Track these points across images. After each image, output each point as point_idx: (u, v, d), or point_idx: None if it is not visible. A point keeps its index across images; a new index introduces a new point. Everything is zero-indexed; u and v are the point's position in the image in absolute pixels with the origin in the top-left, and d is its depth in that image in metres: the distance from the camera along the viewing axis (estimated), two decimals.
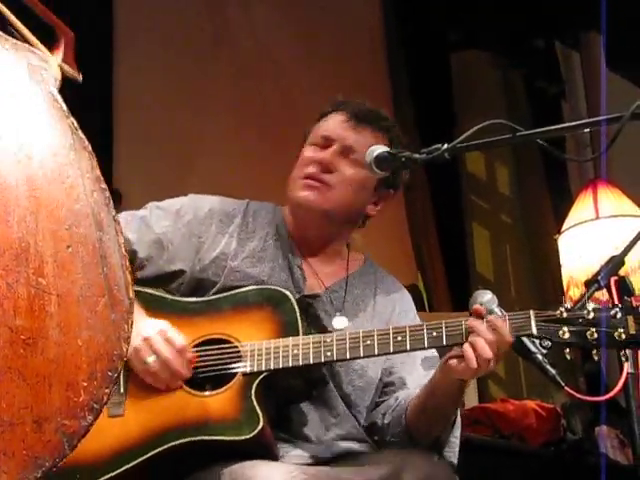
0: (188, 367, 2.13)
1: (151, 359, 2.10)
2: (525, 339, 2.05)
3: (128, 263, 1.42)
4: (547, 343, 2.03)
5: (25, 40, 1.49)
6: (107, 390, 1.34)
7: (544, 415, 3.95)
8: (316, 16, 5.39)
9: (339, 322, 2.29)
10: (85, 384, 1.32)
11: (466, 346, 2.04)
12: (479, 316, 2.08)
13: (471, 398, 5.03)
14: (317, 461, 2.13)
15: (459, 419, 2.27)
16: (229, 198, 2.48)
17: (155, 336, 2.12)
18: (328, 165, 2.32)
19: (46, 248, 1.34)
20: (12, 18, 1.50)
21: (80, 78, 1.57)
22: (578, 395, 2.13)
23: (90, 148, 1.43)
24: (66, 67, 1.54)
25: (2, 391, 1.26)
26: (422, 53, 5.66)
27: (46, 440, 1.28)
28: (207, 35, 5.03)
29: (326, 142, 2.36)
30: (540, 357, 2.03)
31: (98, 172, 1.42)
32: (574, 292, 3.92)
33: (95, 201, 1.40)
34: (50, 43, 1.54)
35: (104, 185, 1.42)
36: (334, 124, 2.38)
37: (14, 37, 1.48)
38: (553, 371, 2.01)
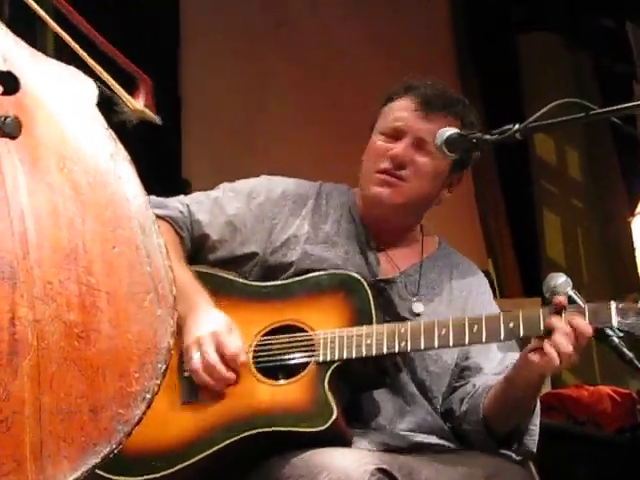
0: (237, 372, 2.10)
1: (196, 356, 2.09)
2: None
3: (170, 262, 1.48)
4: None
5: (111, 90, 1.64)
6: (157, 381, 1.40)
7: (619, 400, 3.90)
8: None
9: (416, 307, 2.28)
10: (137, 375, 1.39)
11: (547, 344, 1.99)
12: (559, 309, 2.03)
13: (544, 384, 4.98)
14: (390, 449, 2.11)
15: (539, 407, 2.24)
16: (302, 180, 2.48)
17: (207, 337, 2.10)
18: (402, 159, 2.29)
19: (94, 248, 1.43)
20: (97, 68, 1.63)
21: (159, 120, 1.72)
22: None
23: (129, 158, 1.52)
24: (147, 111, 1.68)
25: (60, 381, 1.33)
26: (488, 35, 5.60)
27: (102, 427, 1.34)
28: (270, 18, 5.04)
29: (397, 133, 2.32)
30: (616, 340, 1.99)
31: (138, 180, 1.51)
32: None
33: (137, 206, 1.48)
34: (131, 90, 1.69)
35: (144, 192, 1.51)
36: (405, 114, 2.32)
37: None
38: (630, 354, 1.97)
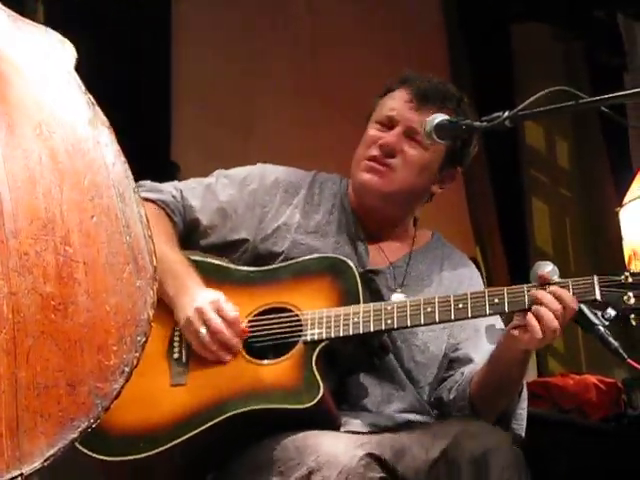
0: (241, 338, 2.13)
1: (203, 330, 2.11)
2: (587, 310, 2.02)
3: (150, 232, 1.45)
4: (609, 315, 2.00)
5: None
6: (137, 354, 1.38)
7: (604, 389, 3.92)
8: None
9: (396, 298, 2.28)
10: (115, 348, 1.37)
11: (530, 316, 2.01)
12: (543, 284, 2.06)
13: (530, 372, 5.00)
14: (378, 429, 2.13)
15: (525, 391, 2.26)
16: (297, 169, 2.49)
17: (207, 306, 2.12)
18: (392, 148, 2.31)
19: (71, 218, 1.39)
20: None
21: None
22: None
23: (108, 123, 1.49)
24: None
25: (36, 355, 1.31)
26: (482, 25, 5.59)
27: (80, 402, 1.32)
28: (266, 3, 5.02)
29: (390, 122, 2.34)
30: (602, 329, 2.00)
31: (117, 146, 1.48)
32: (636, 266, 3.85)
33: (116, 173, 1.45)
34: None
35: (123, 158, 1.47)
36: (398, 104, 2.35)
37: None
38: (615, 343, 1.99)
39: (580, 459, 3.62)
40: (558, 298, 2.01)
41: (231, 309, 2.14)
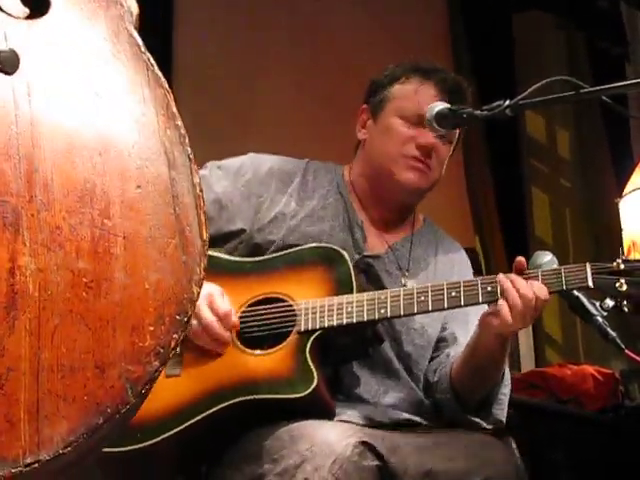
0: (233, 330, 2.14)
1: (194, 322, 2.11)
2: (585, 300, 2.02)
3: (203, 203, 1.36)
4: (607, 305, 2.00)
5: None
6: (176, 335, 1.29)
7: (602, 380, 3.92)
8: None
9: (408, 283, 2.31)
10: (152, 328, 1.27)
11: (501, 301, 2.03)
12: (518, 271, 2.07)
13: (528, 362, 5.00)
14: (373, 424, 2.13)
15: (507, 376, 2.27)
16: (289, 157, 2.48)
17: (200, 300, 2.11)
18: (431, 149, 2.35)
19: (113, 188, 1.29)
20: None
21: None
22: (638, 359, 2.11)
23: (166, 85, 1.37)
24: None
25: (62, 335, 1.22)
26: (484, 13, 5.58)
27: (108, 386, 1.24)
28: None
29: (422, 120, 2.29)
30: (600, 319, 2.00)
31: (174, 109, 1.37)
32: (635, 256, 3.85)
33: (168, 138, 1.35)
34: None
35: (179, 122, 1.37)
36: (427, 101, 2.29)
37: None
38: (613, 333, 1.99)
39: (577, 450, 3.62)
40: (529, 287, 2.03)
41: (223, 304, 2.15)
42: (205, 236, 1.34)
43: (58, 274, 1.23)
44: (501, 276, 2.07)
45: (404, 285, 2.30)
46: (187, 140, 1.37)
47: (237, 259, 2.31)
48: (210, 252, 2.30)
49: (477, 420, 2.23)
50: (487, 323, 2.09)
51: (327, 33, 5.12)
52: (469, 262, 2.52)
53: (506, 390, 2.27)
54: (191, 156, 1.37)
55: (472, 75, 5.33)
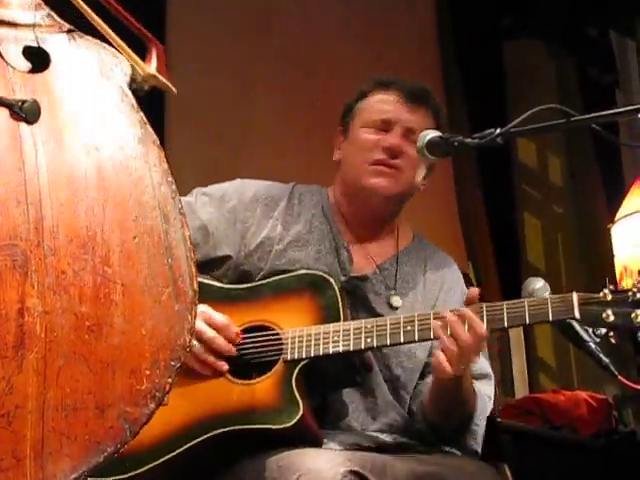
0: (235, 342, 2.14)
1: (196, 343, 2.10)
2: (578, 327, 2.02)
3: (194, 255, 1.43)
4: (600, 331, 2.00)
5: (117, 49, 1.55)
6: (169, 379, 1.36)
7: (595, 406, 3.93)
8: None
9: (395, 301, 2.30)
10: (148, 372, 1.34)
11: (437, 351, 2.04)
12: (468, 303, 2.07)
13: (521, 388, 5.01)
14: (362, 449, 2.11)
15: (482, 407, 2.25)
16: (275, 182, 2.49)
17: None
18: (397, 150, 2.33)
19: (113, 238, 1.36)
20: (107, 31, 1.55)
21: (175, 90, 1.63)
22: (631, 385, 2.11)
23: (158, 142, 1.45)
24: (159, 76, 1.59)
25: (67, 376, 1.28)
26: (474, 41, 5.62)
27: (108, 426, 1.29)
28: (257, 17, 5.03)
29: (386, 125, 2.35)
30: (593, 345, 2.00)
31: (166, 165, 1.45)
32: (627, 283, 3.87)
33: (162, 194, 1.42)
34: (142, 55, 1.60)
35: (171, 178, 1.45)
36: (392, 106, 2.37)
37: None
38: (606, 360, 1.98)
39: (570, 475, 3.62)
40: (463, 321, 2.02)
41: (219, 317, 2.15)
42: (195, 286, 1.41)
43: (63, 317, 1.29)
44: (435, 323, 2.05)
45: (391, 304, 2.30)
46: (178, 196, 1.44)
47: (225, 286, 2.30)
48: (199, 279, 2.32)
49: (453, 450, 2.23)
50: (433, 364, 2.09)
51: (317, 61, 5.14)
52: (460, 276, 2.49)
53: (480, 420, 2.25)
54: (182, 210, 1.44)
55: (464, 103, 5.38)
